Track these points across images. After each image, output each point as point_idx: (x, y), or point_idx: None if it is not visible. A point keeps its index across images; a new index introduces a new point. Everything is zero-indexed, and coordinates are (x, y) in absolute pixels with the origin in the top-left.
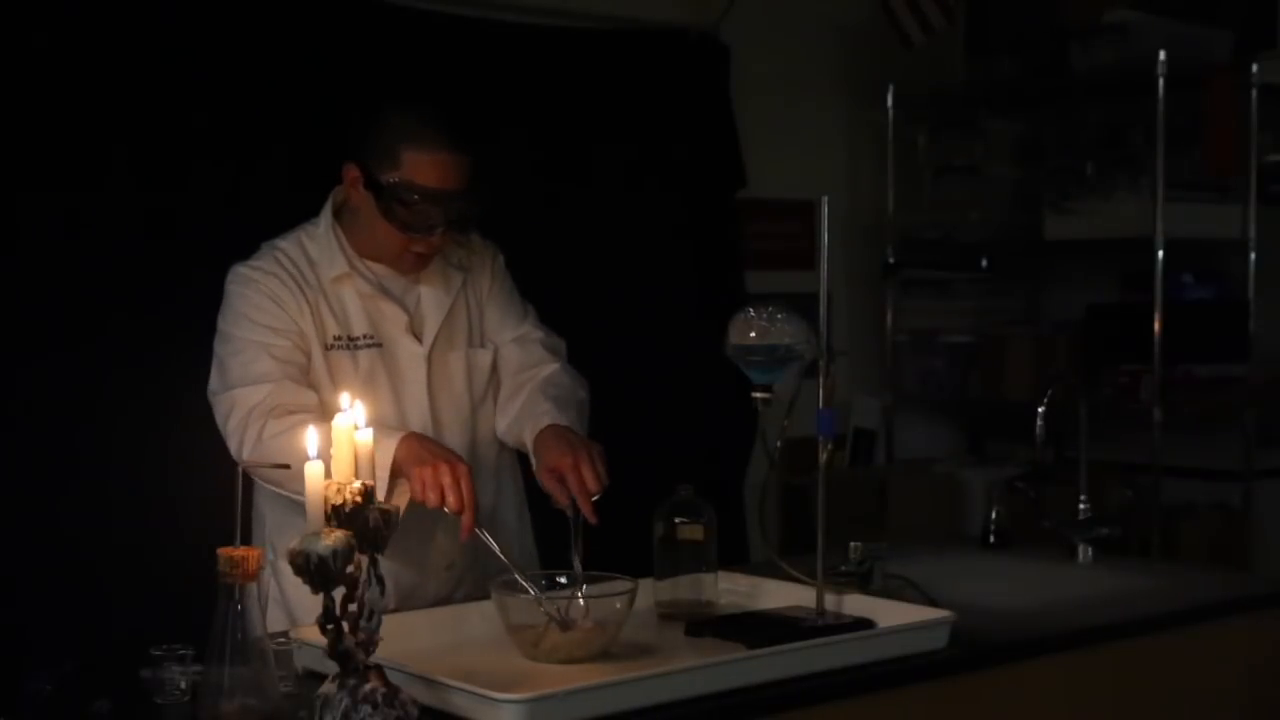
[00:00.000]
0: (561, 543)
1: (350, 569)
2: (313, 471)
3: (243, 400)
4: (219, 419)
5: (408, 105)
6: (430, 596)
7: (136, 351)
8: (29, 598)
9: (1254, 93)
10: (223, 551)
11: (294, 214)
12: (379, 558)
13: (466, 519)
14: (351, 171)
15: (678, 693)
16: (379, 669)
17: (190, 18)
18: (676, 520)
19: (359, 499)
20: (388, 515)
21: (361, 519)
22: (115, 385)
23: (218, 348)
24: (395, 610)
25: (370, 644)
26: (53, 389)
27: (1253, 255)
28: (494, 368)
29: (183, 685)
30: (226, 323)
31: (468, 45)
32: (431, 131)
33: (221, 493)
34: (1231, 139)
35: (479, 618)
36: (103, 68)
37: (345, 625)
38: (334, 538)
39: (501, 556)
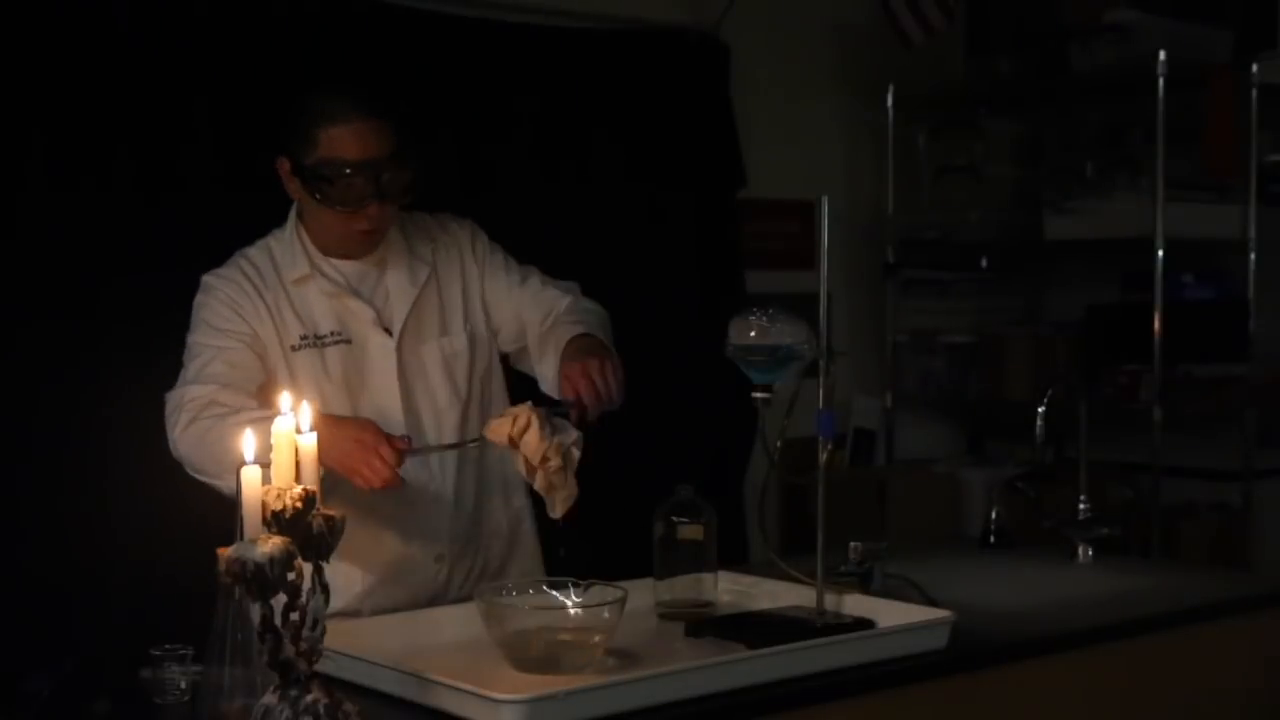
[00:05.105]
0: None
1: (291, 576)
2: (249, 476)
3: (187, 396)
4: (166, 413)
5: (319, 85)
6: (420, 591)
7: (138, 351)
8: (29, 598)
9: (1254, 93)
10: (223, 551)
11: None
12: (360, 554)
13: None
14: (283, 165)
15: (678, 693)
16: (321, 679)
17: (195, 19)
18: (676, 520)
19: (299, 504)
20: (332, 522)
21: (303, 526)
22: (115, 384)
23: (184, 356)
24: (391, 610)
25: (314, 653)
26: (53, 388)
27: (1253, 255)
28: (476, 352)
29: (183, 685)
30: (190, 331)
31: (468, 45)
32: (341, 103)
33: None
34: (1231, 139)
35: (477, 617)
36: (106, 68)
37: (286, 634)
38: (271, 544)
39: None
